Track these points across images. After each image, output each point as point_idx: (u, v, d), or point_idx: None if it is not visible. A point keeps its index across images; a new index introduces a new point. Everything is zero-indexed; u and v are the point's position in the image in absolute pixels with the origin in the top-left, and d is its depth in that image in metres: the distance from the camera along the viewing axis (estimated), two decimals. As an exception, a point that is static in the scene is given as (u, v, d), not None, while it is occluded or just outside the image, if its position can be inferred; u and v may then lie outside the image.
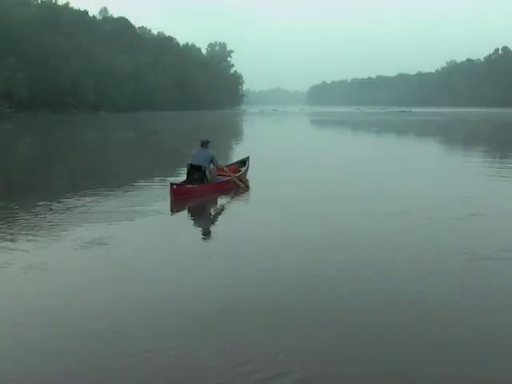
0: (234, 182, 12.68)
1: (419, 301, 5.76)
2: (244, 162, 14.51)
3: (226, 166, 13.48)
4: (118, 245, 7.96)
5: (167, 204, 10.91)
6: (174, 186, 11.25)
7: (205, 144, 12.35)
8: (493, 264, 6.96)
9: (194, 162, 12.14)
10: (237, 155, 18.45)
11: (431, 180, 14.72)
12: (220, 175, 12.64)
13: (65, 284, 6.34)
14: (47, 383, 4.26)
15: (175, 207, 10.79)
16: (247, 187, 12.77)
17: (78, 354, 4.57)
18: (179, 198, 11.08)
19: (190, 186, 11.62)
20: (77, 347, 4.70)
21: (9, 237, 8.24)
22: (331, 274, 6.53)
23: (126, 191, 12.39)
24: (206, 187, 11.89)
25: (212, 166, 12.27)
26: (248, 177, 13.65)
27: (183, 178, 12.46)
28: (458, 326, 5.22)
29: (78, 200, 11.02)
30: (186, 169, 12.39)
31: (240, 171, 13.54)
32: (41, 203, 10.69)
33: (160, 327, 5.09)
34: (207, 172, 12.06)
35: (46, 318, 5.34)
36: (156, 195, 11.61)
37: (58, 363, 4.46)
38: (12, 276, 6.56)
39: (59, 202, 10.80)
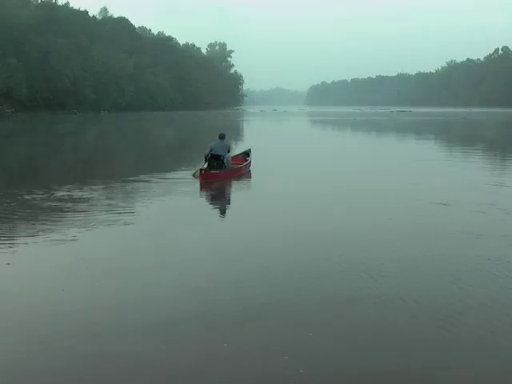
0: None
1: (423, 299, 5.72)
2: (247, 154, 16.78)
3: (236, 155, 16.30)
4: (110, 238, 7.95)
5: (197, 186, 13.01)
6: (203, 172, 13.76)
7: (223, 137, 14.76)
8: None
9: (214, 152, 14.26)
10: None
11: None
12: (234, 163, 15.07)
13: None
14: (45, 381, 4.22)
15: (203, 188, 13.00)
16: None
17: (76, 352, 4.55)
18: (206, 182, 13.38)
19: (214, 171, 13.97)
20: (72, 344, 4.68)
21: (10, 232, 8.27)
22: (334, 270, 6.52)
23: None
24: (226, 173, 14.33)
25: (228, 154, 14.53)
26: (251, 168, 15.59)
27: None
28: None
29: (79, 190, 11.43)
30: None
31: (247, 160, 15.95)
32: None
33: (157, 325, 5.06)
34: (225, 160, 14.27)
35: (37, 313, 5.36)
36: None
37: (53, 360, 4.45)
38: (7, 272, 6.58)
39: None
